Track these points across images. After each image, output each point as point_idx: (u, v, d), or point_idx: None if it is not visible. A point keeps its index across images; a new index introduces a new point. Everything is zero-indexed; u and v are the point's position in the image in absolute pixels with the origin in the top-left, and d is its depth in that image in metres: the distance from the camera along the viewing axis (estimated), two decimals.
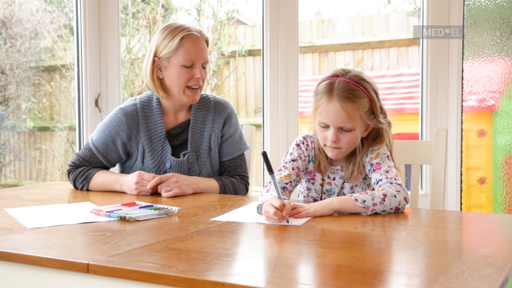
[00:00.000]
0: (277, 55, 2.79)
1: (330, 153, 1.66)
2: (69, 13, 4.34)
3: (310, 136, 1.75)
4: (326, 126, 1.62)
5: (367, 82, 1.64)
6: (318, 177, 1.74)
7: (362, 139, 1.68)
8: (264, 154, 1.45)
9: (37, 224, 1.39)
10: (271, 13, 2.77)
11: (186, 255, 1.10)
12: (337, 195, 1.71)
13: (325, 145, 1.65)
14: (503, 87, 2.60)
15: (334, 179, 1.72)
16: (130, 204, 1.60)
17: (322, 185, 1.73)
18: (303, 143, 1.74)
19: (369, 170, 1.64)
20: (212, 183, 1.96)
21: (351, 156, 1.69)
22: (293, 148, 1.74)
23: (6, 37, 4.25)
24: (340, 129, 1.61)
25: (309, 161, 1.74)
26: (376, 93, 1.66)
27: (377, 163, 1.63)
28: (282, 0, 2.77)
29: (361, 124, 1.62)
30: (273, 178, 1.44)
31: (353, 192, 1.68)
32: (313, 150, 1.73)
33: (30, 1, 4.37)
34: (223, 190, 1.97)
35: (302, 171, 1.72)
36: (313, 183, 1.75)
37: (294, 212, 1.46)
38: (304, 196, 1.79)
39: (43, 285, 1.12)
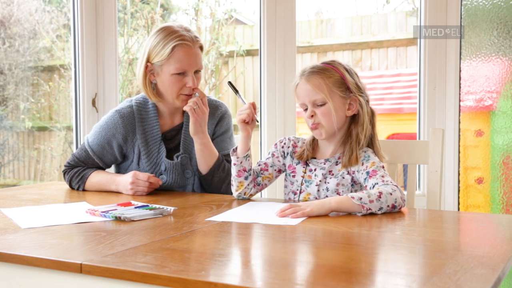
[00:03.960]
0: (275, 55, 2.78)
1: (315, 134, 1.72)
2: (68, 13, 4.34)
3: (292, 137, 1.83)
4: (306, 109, 1.70)
5: (338, 63, 1.72)
6: (299, 170, 1.77)
7: (353, 125, 1.70)
8: (229, 83, 1.85)
9: (32, 224, 1.39)
10: (268, 12, 2.77)
11: (180, 255, 1.10)
12: (317, 186, 1.72)
13: (310, 128, 1.72)
14: (501, 87, 2.60)
15: (315, 170, 1.74)
16: (126, 204, 1.60)
17: (303, 177, 1.75)
18: (280, 142, 1.83)
19: (365, 179, 1.65)
20: (215, 151, 1.96)
21: (344, 143, 1.72)
22: (272, 147, 1.85)
23: (4, 37, 4.25)
24: (315, 105, 1.68)
25: (284, 157, 1.80)
26: (349, 72, 1.71)
27: (373, 170, 1.64)
28: None
29: (334, 96, 1.67)
30: (239, 96, 1.75)
31: (337, 190, 1.69)
32: (290, 147, 1.80)
33: (29, 1, 4.37)
34: (218, 165, 1.95)
35: (271, 166, 1.80)
36: (293, 176, 1.78)
37: (290, 211, 1.46)
38: (285, 194, 1.81)
39: (37, 285, 1.12)
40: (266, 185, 1.82)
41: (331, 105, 1.66)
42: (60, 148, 4.45)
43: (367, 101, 1.72)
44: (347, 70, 1.70)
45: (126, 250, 1.13)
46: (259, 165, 1.81)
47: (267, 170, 1.80)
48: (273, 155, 1.81)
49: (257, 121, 1.75)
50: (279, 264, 1.07)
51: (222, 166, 1.96)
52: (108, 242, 1.20)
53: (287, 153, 1.80)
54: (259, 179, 1.79)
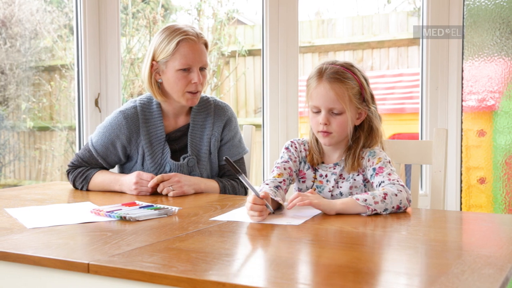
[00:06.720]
0: (277, 55, 2.79)
1: (322, 140, 1.68)
2: (69, 13, 4.35)
3: (298, 139, 1.78)
4: (318, 111, 1.65)
5: (356, 69, 1.68)
6: (310, 175, 1.74)
7: (357, 131, 1.69)
8: (227, 160, 1.46)
9: (37, 224, 1.39)
10: (271, 13, 2.77)
11: (186, 255, 1.11)
12: (329, 192, 1.71)
13: (318, 131, 1.67)
14: (503, 87, 2.60)
15: (326, 176, 1.73)
16: (130, 204, 1.60)
17: (313, 182, 1.74)
18: (291, 146, 1.76)
19: (371, 175, 1.64)
20: (212, 184, 1.96)
21: (349, 149, 1.70)
22: (283, 152, 1.77)
23: (6, 37, 4.25)
24: (331, 112, 1.64)
25: (300, 162, 1.75)
26: (366, 80, 1.68)
27: (379, 167, 1.63)
28: (282, 0, 2.77)
29: (352, 107, 1.64)
30: (243, 177, 1.45)
31: (351, 193, 1.68)
32: (302, 152, 1.75)
33: (30, 1, 4.37)
34: (223, 192, 1.97)
35: (295, 171, 1.74)
36: (303, 182, 1.75)
37: (299, 200, 1.46)
38: None
39: (44, 285, 1.12)
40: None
41: (349, 117, 1.63)
42: (62, 148, 4.45)
43: (376, 108, 1.71)
44: (364, 79, 1.67)
45: (132, 250, 1.13)
46: (288, 174, 1.70)
47: (291, 175, 1.72)
48: (290, 158, 1.73)
49: (272, 212, 1.49)
50: (285, 263, 1.07)
51: (226, 191, 1.98)
52: (114, 242, 1.20)
53: (302, 158, 1.75)
54: (287, 185, 1.72)
